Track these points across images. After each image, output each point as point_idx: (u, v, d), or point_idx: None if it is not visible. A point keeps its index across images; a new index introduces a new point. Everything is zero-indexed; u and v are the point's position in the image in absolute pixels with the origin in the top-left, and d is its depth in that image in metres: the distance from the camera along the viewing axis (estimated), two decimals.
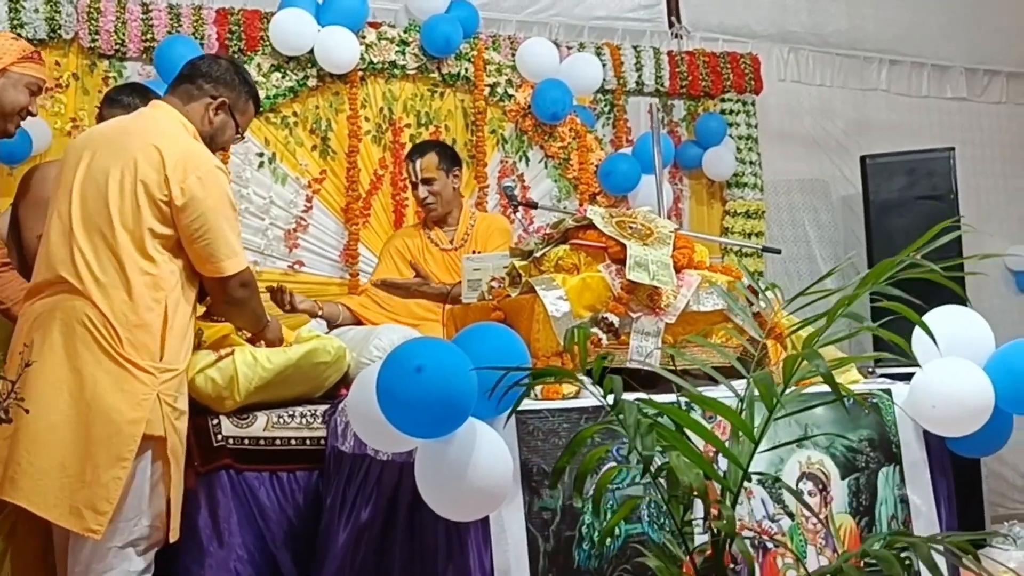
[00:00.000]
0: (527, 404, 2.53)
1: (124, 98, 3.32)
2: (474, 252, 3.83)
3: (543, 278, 2.83)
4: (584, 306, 2.80)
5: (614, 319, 2.78)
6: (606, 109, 5.46)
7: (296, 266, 4.51)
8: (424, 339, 2.35)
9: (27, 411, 2.39)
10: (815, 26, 6.36)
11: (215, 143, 2.85)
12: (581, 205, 4.86)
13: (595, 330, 2.78)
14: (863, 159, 5.77)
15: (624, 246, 2.83)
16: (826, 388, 2.86)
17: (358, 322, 3.83)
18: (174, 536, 2.63)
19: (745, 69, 5.82)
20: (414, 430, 2.24)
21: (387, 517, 2.65)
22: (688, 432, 1.74)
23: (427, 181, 4.00)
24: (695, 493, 1.50)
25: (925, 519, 2.82)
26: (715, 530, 1.55)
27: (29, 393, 2.54)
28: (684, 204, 5.75)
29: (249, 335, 3.11)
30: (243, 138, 3.03)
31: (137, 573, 2.60)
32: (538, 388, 2.73)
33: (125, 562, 2.58)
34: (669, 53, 5.67)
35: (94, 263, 2.59)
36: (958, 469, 3.09)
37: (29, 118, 4.01)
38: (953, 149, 5.67)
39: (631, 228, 2.94)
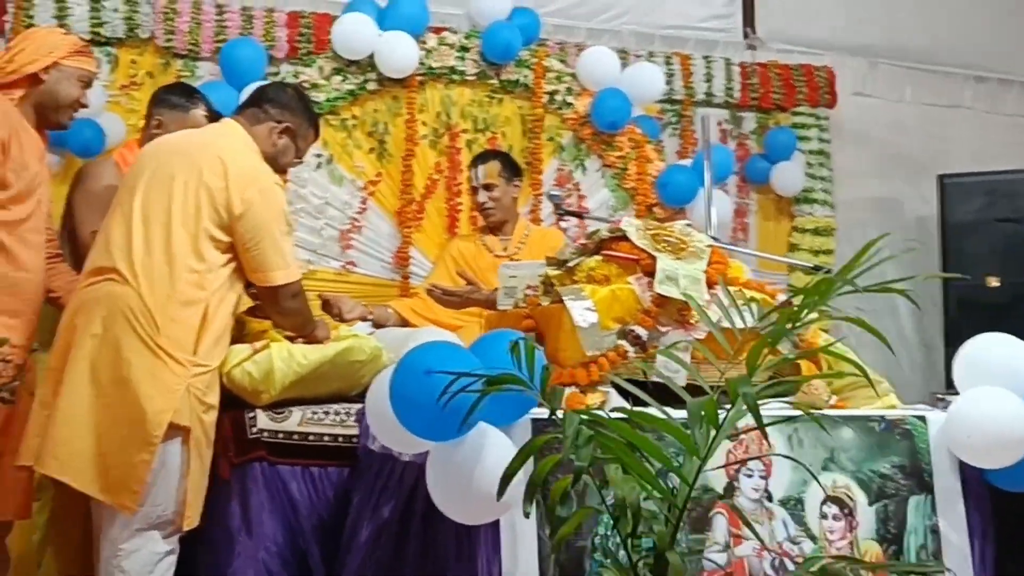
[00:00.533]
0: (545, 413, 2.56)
1: (172, 97, 3.46)
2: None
3: (572, 288, 2.86)
4: (612, 318, 2.81)
5: (642, 332, 2.80)
6: (673, 119, 5.44)
7: (348, 266, 4.60)
8: (437, 343, 2.39)
9: (31, 394, 2.51)
10: (895, 40, 6.24)
11: (277, 164, 3.01)
12: (638, 217, 4.85)
13: (622, 342, 2.80)
14: (940, 178, 5.65)
15: (655, 259, 2.84)
16: (856, 412, 2.85)
17: (406, 324, 3.89)
18: (189, 524, 2.74)
19: (819, 82, 5.75)
20: (424, 432, 2.29)
21: (405, 517, 2.70)
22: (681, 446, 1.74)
23: (488, 187, 4.10)
24: (629, 507, 1.50)
25: (957, 551, 2.76)
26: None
27: (69, 374, 2.68)
28: (750, 218, 5.69)
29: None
30: (302, 162, 3.20)
31: (161, 555, 2.73)
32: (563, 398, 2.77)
33: (150, 543, 2.71)
34: (741, 64, 5.63)
35: (146, 256, 2.74)
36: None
37: (104, 114, 4.28)
38: None
39: (665, 241, 2.94)
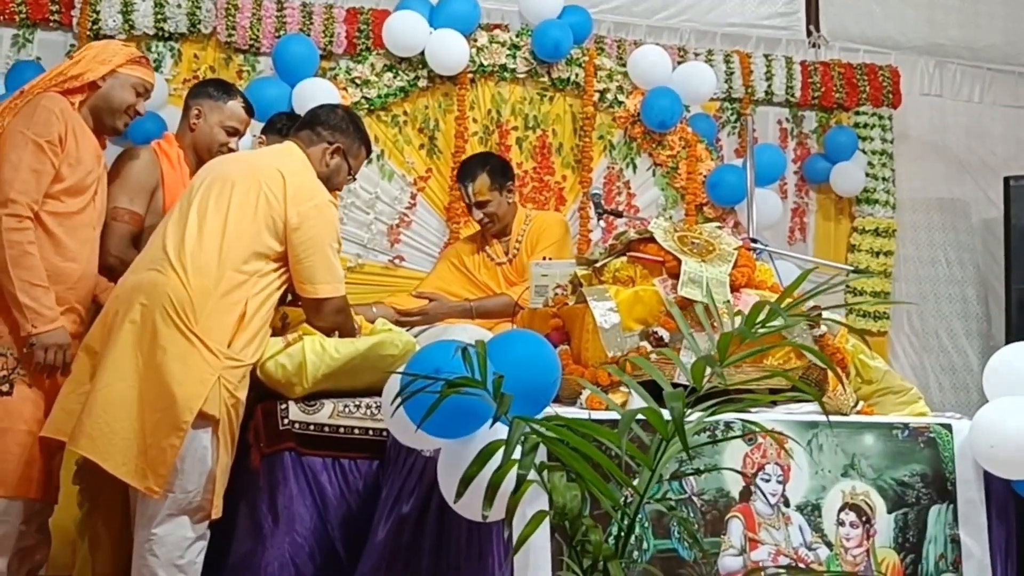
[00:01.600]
0: (564, 412, 2.59)
1: (210, 89, 3.57)
2: (542, 259, 3.81)
3: (596, 288, 2.88)
4: (635, 319, 2.83)
5: (664, 334, 2.80)
6: (732, 118, 5.43)
7: (397, 260, 4.67)
8: (449, 342, 2.43)
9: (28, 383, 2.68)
10: (967, 39, 6.13)
11: (330, 183, 3.15)
12: (687, 215, 4.84)
13: (644, 344, 2.81)
14: (1006, 180, 5.53)
15: (680, 261, 2.84)
16: (876, 419, 2.82)
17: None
18: (216, 512, 2.83)
19: (883, 82, 5.67)
20: (434, 430, 2.33)
21: (423, 511, 2.75)
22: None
23: (481, 204, 3.99)
24: (568, 514, 1.52)
25: (977, 563, 2.74)
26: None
27: (108, 358, 2.78)
28: (809, 218, 5.66)
29: None
30: (355, 179, 3.34)
31: (192, 540, 2.82)
32: (584, 397, 2.80)
33: (181, 528, 2.81)
34: (802, 63, 5.59)
35: (196, 249, 2.86)
36: None
37: (166, 107, 4.41)
38: None
39: (693, 244, 2.95)
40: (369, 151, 3.30)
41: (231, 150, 3.53)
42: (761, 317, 1.77)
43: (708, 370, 2.68)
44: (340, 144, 3.14)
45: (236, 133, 3.54)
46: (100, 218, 3.20)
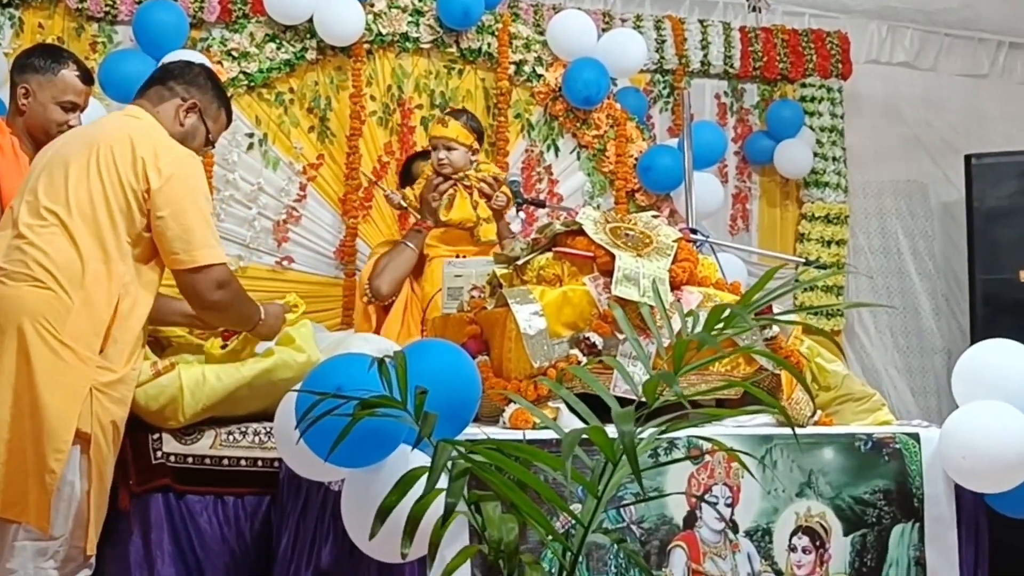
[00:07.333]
0: (489, 433, 2.58)
1: (35, 61, 3.42)
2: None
3: (519, 290, 2.88)
4: (564, 323, 2.84)
5: (597, 340, 2.82)
6: (664, 92, 5.48)
7: (285, 262, 4.61)
8: (348, 355, 2.40)
9: None
10: (921, 2, 6.26)
11: (185, 148, 3.02)
12: (618, 203, 4.87)
13: (575, 352, 2.82)
14: (967, 159, 5.65)
15: (614, 256, 2.86)
16: (837, 430, 2.88)
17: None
18: (91, 549, 2.75)
19: (831, 49, 5.78)
20: (338, 459, 2.29)
21: (331, 551, 2.72)
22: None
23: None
24: (503, 548, 1.52)
25: None
26: None
27: None
28: (752, 204, 5.74)
29: (223, 330, 3.26)
30: (213, 147, 3.28)
31: None
32: (507, 415, 2.79)
33: None
34: (741, 29, 5.66)
35: (47, 247, 2.77)
36: None
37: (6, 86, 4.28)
38: None
39: (627, 236, 2.97)
40: (230, 118, 3.24)
41: (72, 128, 3.43)
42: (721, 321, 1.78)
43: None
44: (196, 101, 3.07)
45: (75, 107, 3.39)
46: None
